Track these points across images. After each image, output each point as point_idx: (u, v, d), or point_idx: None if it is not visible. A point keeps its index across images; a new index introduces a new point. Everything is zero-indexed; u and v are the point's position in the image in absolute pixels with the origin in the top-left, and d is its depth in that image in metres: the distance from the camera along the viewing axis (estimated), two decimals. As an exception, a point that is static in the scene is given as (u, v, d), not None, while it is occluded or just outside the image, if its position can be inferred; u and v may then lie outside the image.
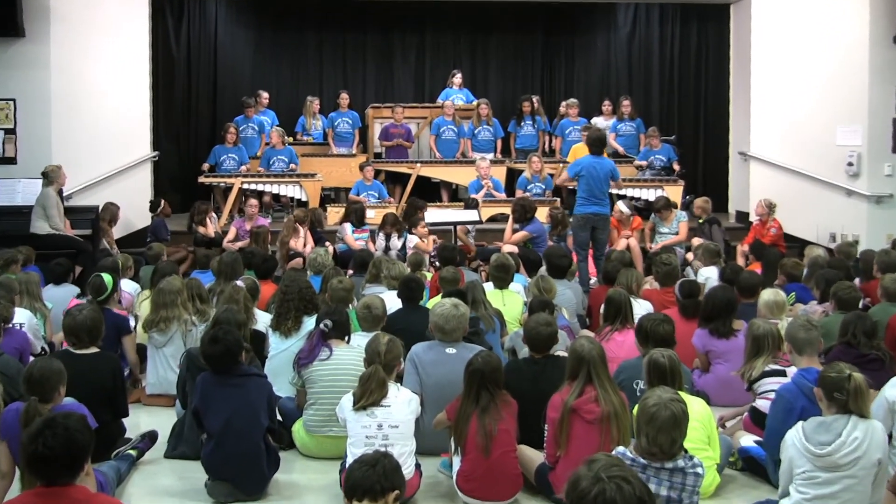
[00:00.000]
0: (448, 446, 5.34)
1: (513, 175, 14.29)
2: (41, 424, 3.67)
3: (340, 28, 16.97)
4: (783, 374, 5.85)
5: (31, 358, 6.55)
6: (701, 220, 12.11)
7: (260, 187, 13.36)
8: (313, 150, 14.83)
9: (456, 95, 15.42)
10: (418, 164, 14.23)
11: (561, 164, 13.67)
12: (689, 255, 11.30)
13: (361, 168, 13.62)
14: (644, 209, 13.09)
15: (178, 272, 8.57)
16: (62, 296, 8.37)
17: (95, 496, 3.76)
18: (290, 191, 13.49)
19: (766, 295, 7.40)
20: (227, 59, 16.30)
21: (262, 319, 7.41)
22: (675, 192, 12.89)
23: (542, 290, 7.65)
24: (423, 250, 10.88)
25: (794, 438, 4.52)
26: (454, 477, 5.19)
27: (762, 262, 10.27)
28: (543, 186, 13.36)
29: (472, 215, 11.88)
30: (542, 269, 9.20)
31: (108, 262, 8.73)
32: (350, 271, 9.53)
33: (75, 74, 12.39)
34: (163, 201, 12.47)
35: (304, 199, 13.41)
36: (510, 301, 8.02)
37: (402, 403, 5.25)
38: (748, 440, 5.79)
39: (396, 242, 11.38)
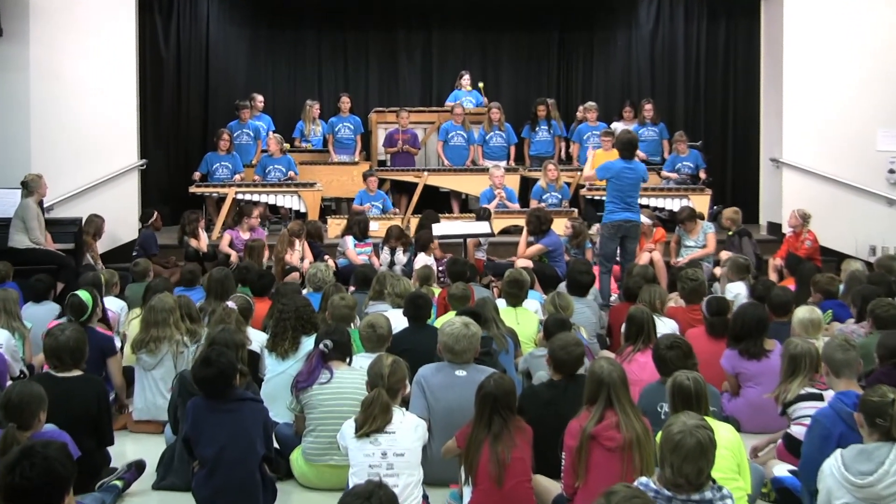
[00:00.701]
0: (458, 476, 5.34)
1: (527, 184, 14.31)
2: (19, 454, 3.66)
3: (341, 26, 17.05)
4: (820, 397, 5.83)
5: (9, 381, 6.54)
6: (730, 232, 12.08)
7: (255, 197, 13.39)
8: (312, 157, 14.88)
9: (466, 98, 15.46)
10: (425, 173, 14.25)
11: (579, 173, 13.70)
12: (717, 270, 11.28)
13: (364, 177, 13.65)
14: (668, 220, 13.09)
15: (171, 289, 8.57)
16: (42, 315, 8.38)
17: (78, 530, 3.77)
18: (287, 201, 13.54)
19: (801, 313, 7.37)
20: (219, 60, 16.34)
21: (257, 338, 7.42)
22: (702, 202, 12.89)
23: (559, 308, 7.65)
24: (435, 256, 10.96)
25: (833, 468, 4.50)
26: (464, 509, 5.18)
27: (796, 277, 10.24)
28: (560, 196, 13.38)
29: (483, 227, 11.87)
30: (562, 286, 9.21)
31: (89, 277, 8.74)
32: (352, 288, 9.54)
33: (56, 76, 12.45)
34: (156, 213, 12.43)
35: (302, 210, 13.45)
36: (524, 319, 8.03)
37: (407, 430, 5.24)
38: (782, 469, 5.77)
39: (402, 257, 11.39)
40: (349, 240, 11.82)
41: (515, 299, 8.21)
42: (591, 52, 17.37)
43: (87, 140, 12.67)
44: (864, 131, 12.96)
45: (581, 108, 15.29)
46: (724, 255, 11.47)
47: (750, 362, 7.08)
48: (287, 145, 14.63)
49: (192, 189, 13.61)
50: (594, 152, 12.18)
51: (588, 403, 5.10)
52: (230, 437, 5.23)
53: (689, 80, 16.69)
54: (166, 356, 7.09)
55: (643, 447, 4.90)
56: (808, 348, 6.07)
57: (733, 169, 16.25)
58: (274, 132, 14.69)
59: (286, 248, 11.28)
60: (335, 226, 13.15)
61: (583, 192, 13.71)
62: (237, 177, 13.83)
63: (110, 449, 6.07)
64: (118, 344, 7.77)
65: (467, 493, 5.15)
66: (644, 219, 11.92)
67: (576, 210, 13.25)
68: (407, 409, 5.54)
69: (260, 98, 15.37)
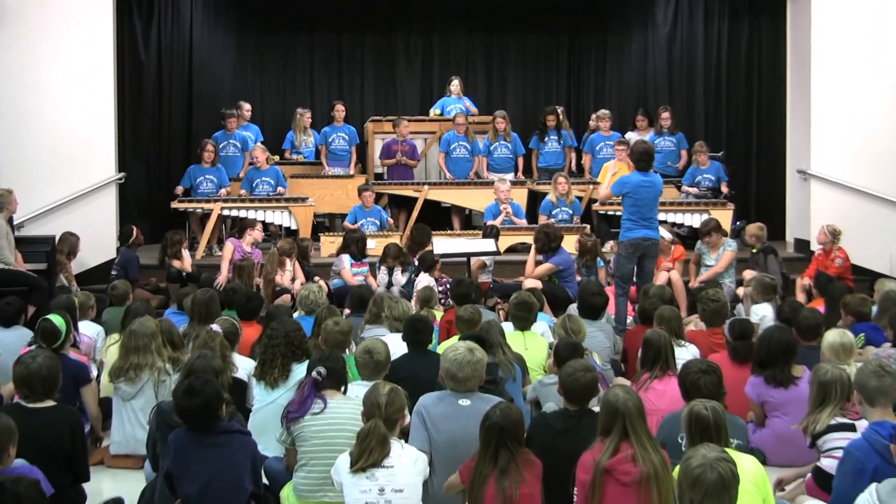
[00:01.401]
0: (461, 514, 5.34)
1: (535, 198, 14.33)
2: (-12, 490, 3.68)
3: (335, 28, 17.09)
4: (852, 428, 5.84)
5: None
6: (754, 250, 12.06)
7: (242, 214, 13.41)
8: (304, 170, 14.89)
9: (454, 105, 15.50)
10: (426, 187, 14.27)
11: (591, 186, 13.71)
12: (741, 291, 11.28)
13: (360, 191, 13.65)
14: (688, 237, 13.09)
15: (152, 313, 8.58)
16: (13, 340, 8.35)
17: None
18: (277, 218, 13.53)
19: (831, 336, 7.36)
20: (204, 65, 16.37)
21: (244, 366, 7.43)
22: (723, 217, 12.86)
23: (570, 332, 7.65)
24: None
25: (867, 503, 4.50)
26: (468, 549, 5.18)
27: (826, 297, 10.26)
28: (571, 211, 13.39)
29: (488, 245, 11.85)
30: (573, 308, 9.20)
31: (62, 300, 8.74)
32: (346, 310, 9.55)
33: (27, 83, 12.51)
34: (135, 230, 12.28)
35: (293, 227, 13.47)
36: (533, 344, 8.03)
37: (407, 464, 5.25)
38: (812, 506, 5.78)
39: (400, 277, 11.40)
40: (346, 258, 11.82)
41: (523, 323, 8.20)
42: (603, 56, 17.38)
43: (61, 152, 12.68)
44: (899, 141, 13.00)
45: (593, 116, 15.31)
46: (748, 274, 11.46)
47: (777, 390, 7.08)
48: (276, 157, 14.65)
49: (175, 204, 13.58)
50: (614, 165, 12.10)
51: (602, 434, 5.10)
52: (216, 472, 5.24)
53: (710, 85, 16.69)
54: (147, 385, 7.09)
55: (661, 482, 4.90)
56: (839, 375, 6.07)
57: (758, 182, 16.27)
58: (262, 143, 14.66)
59: (276, 268, 11.29)
60: (328, 244, 13.16)
61: (595, 206, 13.71)
62: (223, 191, 13.83)
63: (86, 485, 6.08)
64: (94, 372, 7.78)
65: (471, 531, 5.16)
66: (664, 233, 11.90)
67: (588, 226, 13.22)
68: (406, 442, 5.54)
69: (247, 106, 15.41)
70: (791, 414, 6.80)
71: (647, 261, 10.39)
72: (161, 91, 15.82)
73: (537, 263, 11.27)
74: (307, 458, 5.92)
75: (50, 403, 5.96)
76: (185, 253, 12.13)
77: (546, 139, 14.90)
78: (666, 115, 14.92)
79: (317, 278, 11.49)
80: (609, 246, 13.00)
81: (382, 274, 11.44)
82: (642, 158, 10.41)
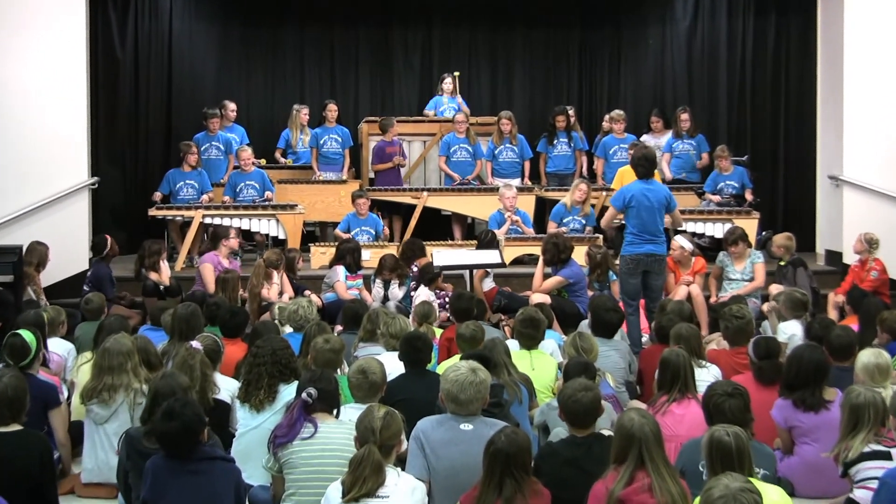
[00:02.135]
0: (463, 548, 5.33)
1: (543, 206, 14.32)
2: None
3: (327, 22, 17.10)
4: (888, 456, 5.84)
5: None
6: (782, 262, 12.06)
7: (226, 222, 13.35)
8: (292, 175, 14.87)
9: (448, 105, 15.54)
10: (425, 193, 14.28)
11: (604, 193, 13.69)
12: (766, 307, 11.26)
13: (354, 198, 13.59)
14: (709, 248, 13.07)
15: (128, 329, 8.56)
16: (-24, 359, 8.39)
17: None
18: (264, 226, 13.52)
19: (865, 356, 7.35)
20: (185, 61, 16.41)
21: (227, 387, 7.42)
22: (748, 227, 12.84)
23: (581, 351, 7.64)
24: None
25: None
26: (471, 587, 5.17)
27: (859, 314, 10.23)
28: (584, 221, 13.33)
29: (492, 257, 11.85)
30: (584, 325, 9.18)
31: (31, 315, 8.72)
32: (338, 327, 9.54)
33: (-7, 81, 12.53)
34: (109, 240, 12.20)
35: (281, 236, 13.46)
36: (540, 364, 8.03)
37: (403, 493, 5.25)
38: (844, 540, 5.77)
39: (397, 291, 11.39)
40: (341, 270, 11.77)
41: (530, 341, 8.20)
42: (618, 53, 17.39)
43: (29, 155, 12.69)
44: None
45: (606, 117, 15.31)
46: (775, 288, 11.44)
47: (806, 415, 7.06)
48: (262, 160, 14.64)
49: (153, 212, 13.56)
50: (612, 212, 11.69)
51: (616, 462, 5.10)
52: (196, 502, 5.23)
53: (733, 84, 16.70)
54: (122, 407, 7.07)
55: (680, 514, 4.91)
56: (873, 398, 6.07)
57: (785, 188, 16.28)
58: (248, 146, 14.64)
59: (262, 281, 11.28)
60: (319, 255, 13.15)
61: (603, 223, 13.65)
62: (204, 197, 13.82)
63: (55, 516, 6.07)
64: (65, 393, 7.77)
65: (474, 567, 5.16)
66: (684, 243, 11.87)
67: (601, 237, 13.16)
68: (403, 470, 5.54)
69: (232, 106, 15.39)
70: (821, 441, 6.78)
71: (652, 277, 10.28)
72: (138, 89, 15.83)
73: (546, 277, 11.26)
74: (296, 487, 5.92)
75: (16, 428, 5.96)
76: (164, 264, 12.01)
77: (555, 142, 14.86)
78: (685, 116, 14.85)
79: (308, 292, 11.46)
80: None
81: (377, 287, 11.43)
82: (641, 164, 10.31)
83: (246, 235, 14.15)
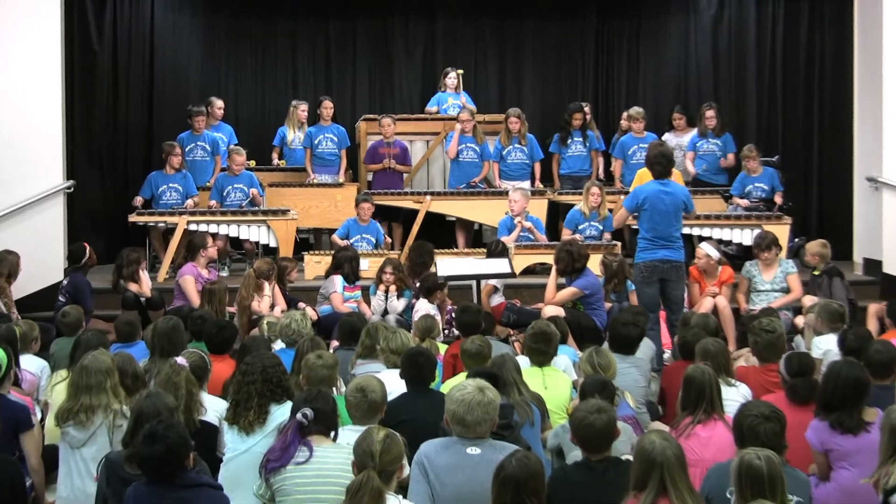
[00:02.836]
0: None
1: (556, 211, 14.32)
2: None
3: (322, 13, 17.19)
4: (931, 482, 5.82)
5: None
6: (816, 272, 12.03)
7: (213, 228, 13.33)
8: (284, 177, 14.88)
9: (452, 102, 15.58)
10: (428, 197, 14.28)
11: (622, 197, 13.66)
12: (799, 320, 11.24)
13: (357, 202, 13.59)
14: (736, 256, 13.06)
15: (107, 344, 8.56)
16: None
17: None
18: (253, 233, 13.50)
19: (907, 374, 7.37)
20: (167, 56, 16.43)
21: (215, 407, 7.41)
22: (779, 233, 12.81)
23: (598, 368, 7.63)
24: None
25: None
26: None
27: (899, 327, 10.23)
28: (601, 227, 13.32)
29: (501, 266, 11.84)
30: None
31: (2, 330, 8.73)
32: (334, 342, 9.54)
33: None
34: (87, 248, 12.17)
35: (273, 244, 13.45)
36: (553, 383, 8.03)
37: (406, 523, 5.25)
38: (884, 573, 5.76)
39: (398, 304, 11.39)
40: (338, 280, 11.79)
41: (542, 357, 8.19)
42: (637, 45, 17.44)
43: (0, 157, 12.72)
44: None
45: (625, 115, 15.33)
46: (809, 300, 11.43)
47: (844, 437, 7.02)
48: (252, 162, 14.65)
49: (133, 218, 13.55)
50: (623, 213, 11.50)
51: (636, 489, 5.10)
52: (181, 532, 5.24)
53: (763, 78, 16.71)
54: (100, 430, 7.06)
55: (707, 545, 4.91)
56: (916, 419, 6.06)
57: (819, 191, 16.28)
58: (237, 146, 14.65)
59: (252, 293, 11.28)
60: (313, 264, 13.15)
61: (629, 220, 13.67)
62: (189, 202, 13.83)
63: (28, 548, 6.08)
64: (38, 415, 7.77)
65: None
66: (710, 250, 11.84)
67: (618, 244, 13.17)
68: (405, 497, 5.54)
69: (219, 103, 15.44)
70: (861, 465, 6.76)
71: (670, 286, 10.30)
72: (117, 84, 15.83)
73: (559, 287, 11.26)
74: (289, 516, 5.92)
75: (-15, 452, 5.96)
76: (144, 275, 12.01)
77: (569, 142, 14.89)
78: (710, 113, 14.85)
79: (302, 305, 11.45)
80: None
81: (377, 299, 11.41)
82: (658, 162, 10.34)
83: (234, 243, 14.16)
